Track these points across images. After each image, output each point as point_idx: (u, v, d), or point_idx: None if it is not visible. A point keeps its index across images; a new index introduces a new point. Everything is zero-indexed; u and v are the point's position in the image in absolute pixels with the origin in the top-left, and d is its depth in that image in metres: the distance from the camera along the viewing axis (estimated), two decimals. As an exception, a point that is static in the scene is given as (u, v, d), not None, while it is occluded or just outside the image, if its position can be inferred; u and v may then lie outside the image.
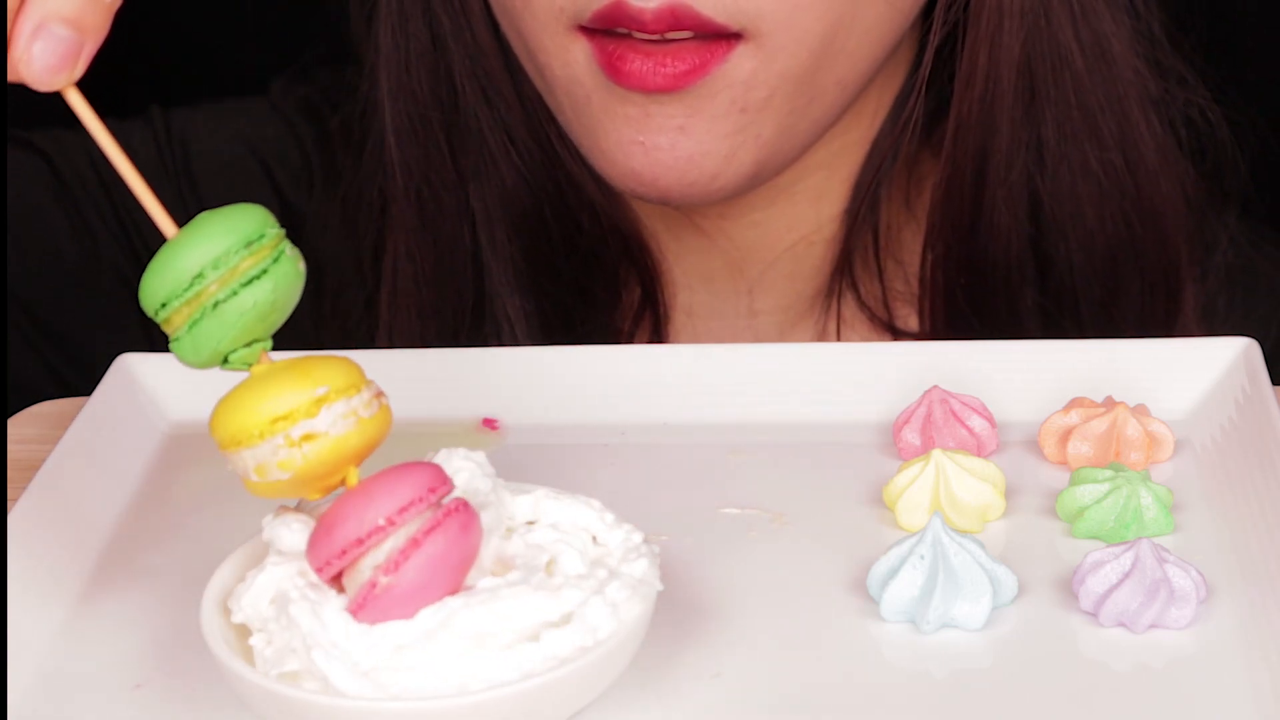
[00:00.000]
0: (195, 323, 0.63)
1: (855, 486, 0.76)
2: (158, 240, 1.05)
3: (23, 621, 0.69)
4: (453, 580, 0.63)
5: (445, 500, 0.63)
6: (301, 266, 0.65)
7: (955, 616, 0.68)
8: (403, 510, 0.62)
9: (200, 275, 0.63)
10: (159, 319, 0.64)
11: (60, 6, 0.62)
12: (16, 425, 0.85)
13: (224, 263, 0.63)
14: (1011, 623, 0.68)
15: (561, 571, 0.64)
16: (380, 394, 0.65)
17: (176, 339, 0.64)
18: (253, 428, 0.63)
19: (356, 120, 1.00)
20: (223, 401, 0.64)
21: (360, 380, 0.64)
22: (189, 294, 0.63)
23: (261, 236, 0.64)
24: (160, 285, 0.63)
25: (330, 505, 0.64)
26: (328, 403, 0.63)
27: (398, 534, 0.62)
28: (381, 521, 0.62)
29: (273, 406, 0.62)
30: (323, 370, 0.63)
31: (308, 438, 0.63)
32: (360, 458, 0.64)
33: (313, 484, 0.64)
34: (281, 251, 0.64)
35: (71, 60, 0.63)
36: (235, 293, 0.63)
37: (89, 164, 1.04)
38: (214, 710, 0.66)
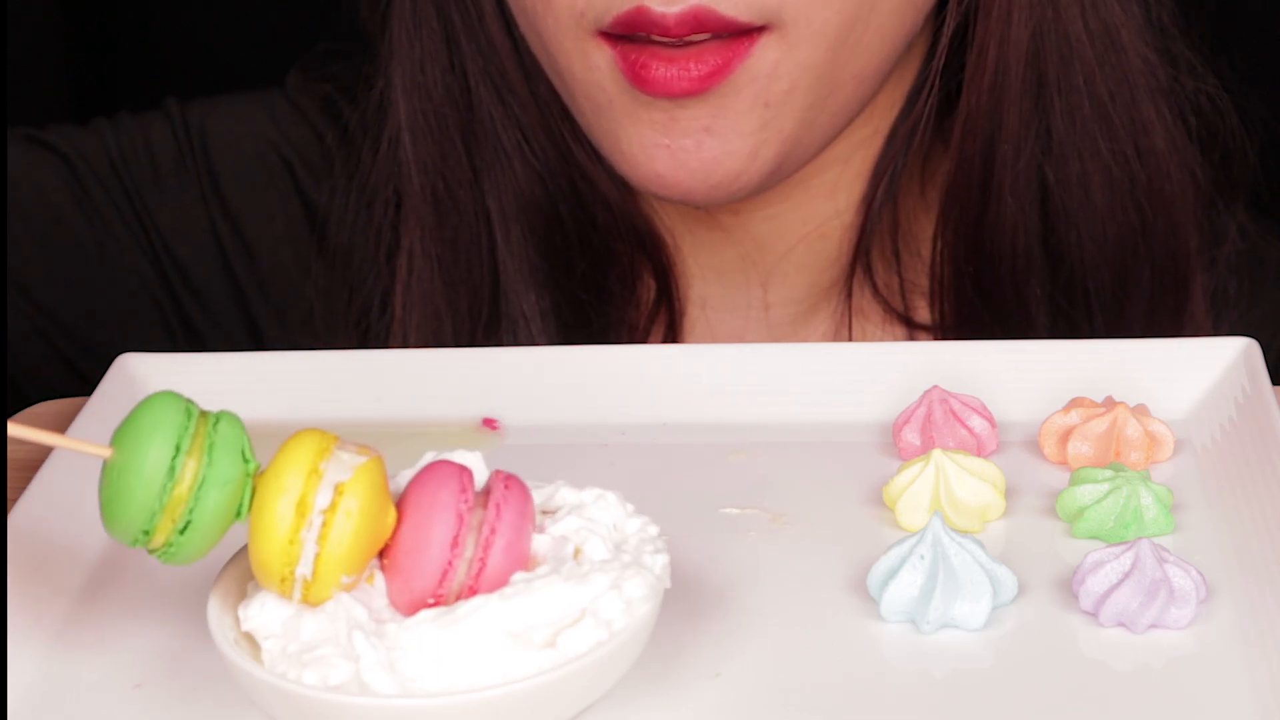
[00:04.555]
0: (185, 527, 0.63)
1: (855, 486, 0.76)
2: (177, 237, 1.05)
3: (23, 621, 0.69)
4: (526, 545, 0.64)
5: (487, 493, 0.64)
6: (235, 417, 0.64)
7: (955, 616, 0.68)
8: (455, 540, 0.63)
9: (163, 490, 0.62)
10: (139, 545, 0.63)
11: None
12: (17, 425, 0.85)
13: (175, 467, 0.62)
14: (1011, 623, 0.68)
15: (589, 560, 0.65)
16: (358, 458, 0.64)
17: (168, 551, 0.63)
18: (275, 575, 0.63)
19: (371, 117, 1.00)
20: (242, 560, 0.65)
21: (311, 482, 0.63)
22: (162, 508, 0.63)
23: (189, 418, 0.63)
24: (131, 519, 0.63)
25: (393, 552, 0.64)
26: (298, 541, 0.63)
27: (465, 552, 0.63)
28: (448, 557, 0.63)
29: (279, 562, 0.63)
30: (290, 521, 0.63)
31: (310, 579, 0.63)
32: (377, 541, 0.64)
33: (357, 559, 0.64)
34: (214, 422, 0.63)
35: None
36: (200, 489, 0.63)
37: (107, 163, 1.04)
38: (215, 710, 0.66)
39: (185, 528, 0.63)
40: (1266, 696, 0.64)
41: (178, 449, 0.62)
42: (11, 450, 0.82)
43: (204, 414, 0.64)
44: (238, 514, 0.64)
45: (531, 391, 0.82)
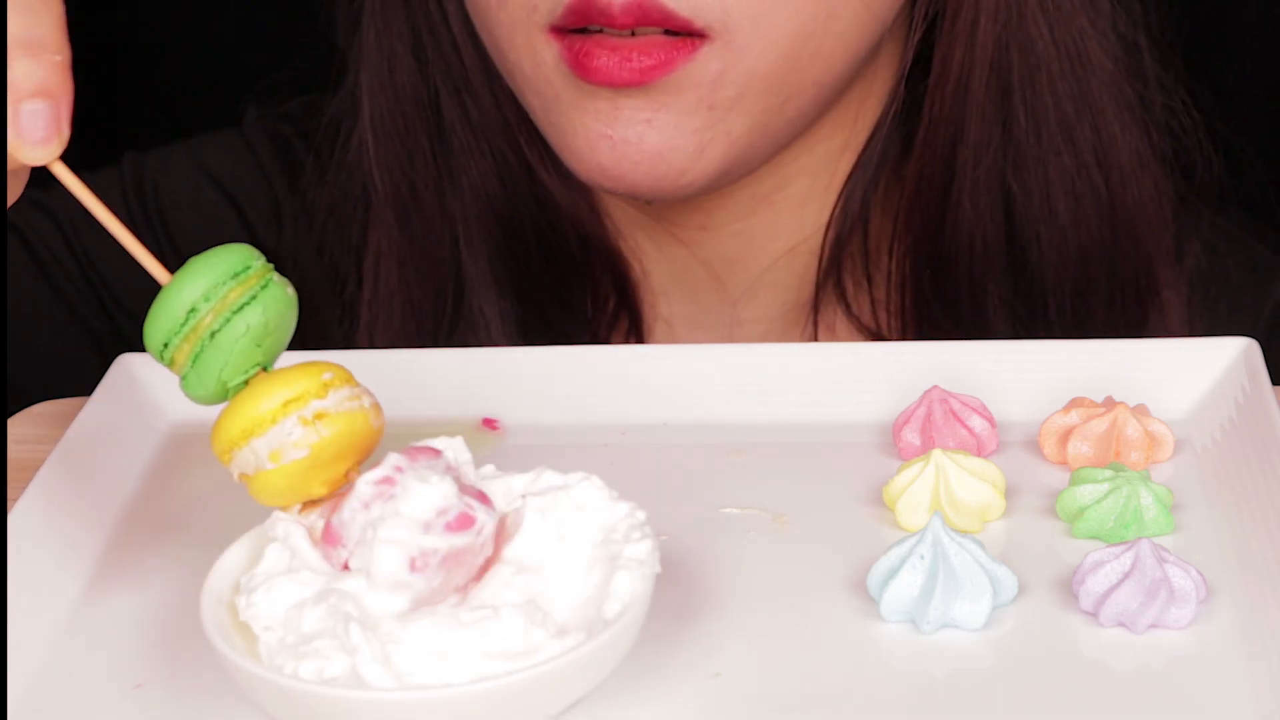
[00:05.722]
0: (197, 356, 0.66)
1: (855, 486, 0.76)
2: (132, 296, 1.06)
3: (23, 621, 0.69)
4: None
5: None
6: (291, 292, 0.67)
7: (955, 616, 0.68)
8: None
9: (193, 310, 0.66)
10: (165, 361, 0.67)
11: (21, 86, 0.65)
12: (16, 425, 0.85)
13: (214, 294, 0.66)
14: (1011, 623, 0.68)
15: (580, 551, 0.65)
16: (371, 394, 0.67)
17: (184, 377, 0.67)
18: (264, 415, 0.65)
19: (344, 118, 1.00)
20: (225, 409, 0.66)
21: (353, 379, 0.67)
22: (185, 329, 0.66)
23: (247, 268, 0.66)
24: (159, 326, 0.66)
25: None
26: (333, 387, 0.66)
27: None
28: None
29: (282, 393, 0.65)
30: (321, 364, 0.67)
31: (320, 415, 0.65)
32: (363, 451, 0.66)
33: (325, 469, 0.66)
34: (269, 279, 0.67)
35: (55, 128, 0.66)
36: (228, 320, 0.66)
37: (56, 231, 1.05)
38: (214, 709, 0.66)
39: (195, 358, 0.66)
40: (1266, 696, 0.64)
41: (194, 309, 0.66)
42: (12, 450, 0.82)
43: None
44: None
45: (531, 392, 0.82)
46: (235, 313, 0.66)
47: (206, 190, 1.07)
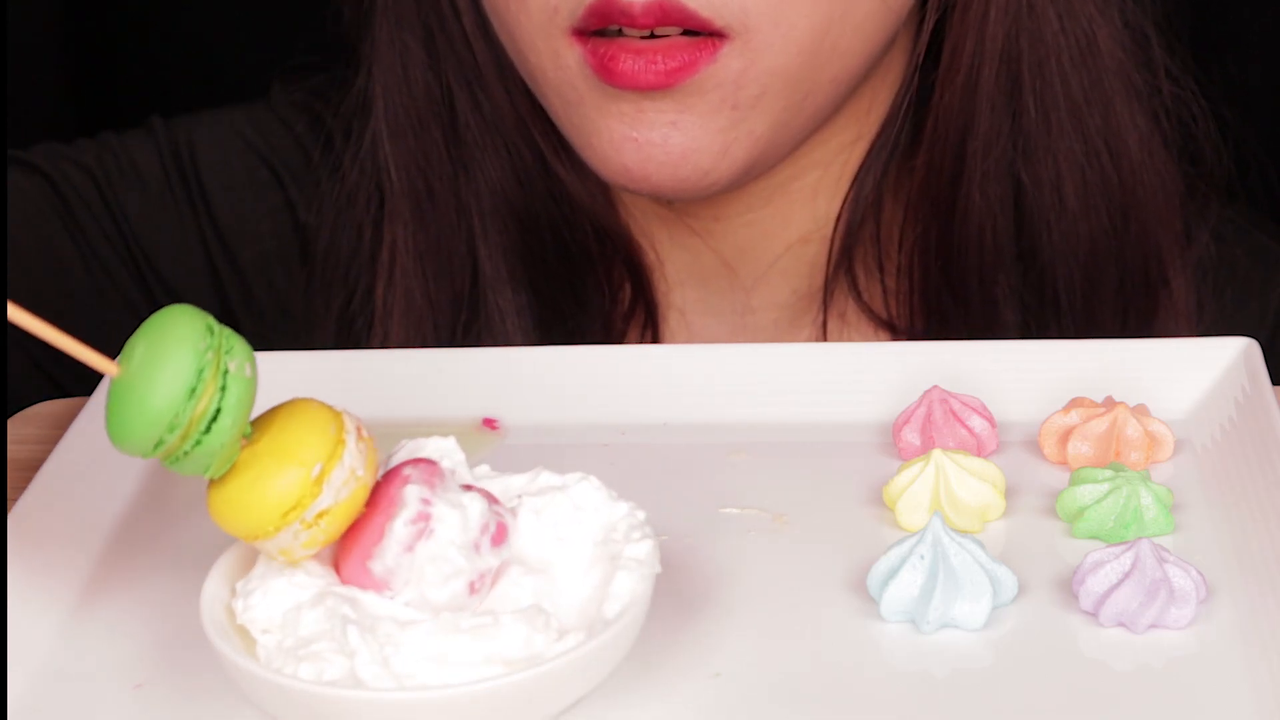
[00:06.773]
0: (175, 462, 0.63)
1: (855, 486, 0.76)
2: (163, 255, 1.05)
3: (23, 621, 0.69)
4: None
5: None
6: (250, 372, 0.63)
7: (955, 616, 0.68)
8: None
9: (160, 442, 0.62)
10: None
11: None
12: (16, 425, 0.85)
13: (177, 424, 0.62)
14: (1011, 623, 0.68)
15: (578, 551, 0.65)
16: (360, 428, 0.65)
17: (167, 465, 0.64)
18: (266, 524, 0.63)
19: (355, 115, 1.00)
20: (219, 498, 0.64)
21: (340, 432, 0.64)
22: (157, 452, 0.63)
23: (202, 370, 0.62)
24: (127, 443, 0.63)
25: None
26: (327, 476, 0.63)
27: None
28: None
29: (278, 501, 0.63)
30: (308, 443, 0.63)
31: (321, 515, 0.64)
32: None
33: (334, 542, 0.65)
34: (226, 372, 0.63)
35: None
36: (199, 441, 0.62)
37: (91, 183, 1.04)
38: (214, 709, 0.66)
39: (175, 462, 0.63)
40: (1266, 696, 0.64)
41: (160, 442, 0.62)
42: (12, 450, 0.82)
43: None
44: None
45: (531, 391, 0.82)
46: (205, 433, 0.62)
47: (244, 156, 1.06)
